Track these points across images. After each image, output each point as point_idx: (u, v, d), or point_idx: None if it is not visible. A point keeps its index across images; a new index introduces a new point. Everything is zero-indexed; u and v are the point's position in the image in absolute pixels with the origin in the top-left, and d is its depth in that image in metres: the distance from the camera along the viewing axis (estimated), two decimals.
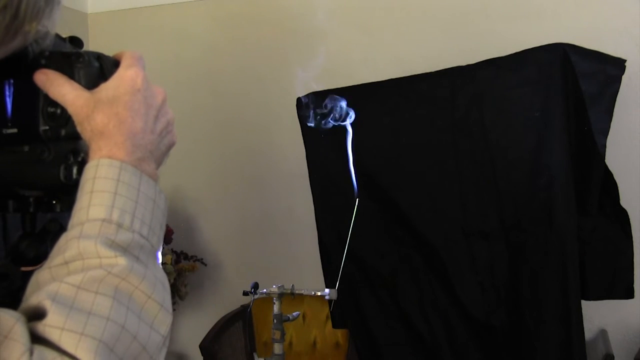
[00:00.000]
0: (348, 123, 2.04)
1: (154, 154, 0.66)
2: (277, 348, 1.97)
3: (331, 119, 2.07)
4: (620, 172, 2.35)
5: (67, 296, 0.54)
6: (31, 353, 0.50)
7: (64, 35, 0.69)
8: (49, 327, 0.52)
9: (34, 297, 0.55)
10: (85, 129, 0.63)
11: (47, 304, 0.53)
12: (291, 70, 3.08)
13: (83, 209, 0.60)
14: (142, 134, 0.64)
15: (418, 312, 2.48)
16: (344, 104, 2.08)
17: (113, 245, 0.58)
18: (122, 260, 0.57)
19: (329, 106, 2.10)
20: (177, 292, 2.97)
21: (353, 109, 2.16)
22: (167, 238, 2.96)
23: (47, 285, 0.55)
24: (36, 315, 0.53)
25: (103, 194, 0.60)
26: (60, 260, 0.57)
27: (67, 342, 0.52)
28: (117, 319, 0.55)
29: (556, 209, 2.27)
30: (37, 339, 0.52)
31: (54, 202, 0.71)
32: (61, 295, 0.54)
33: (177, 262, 3.03)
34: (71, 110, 0.63)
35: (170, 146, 0.70)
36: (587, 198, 2.30)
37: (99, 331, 0.53)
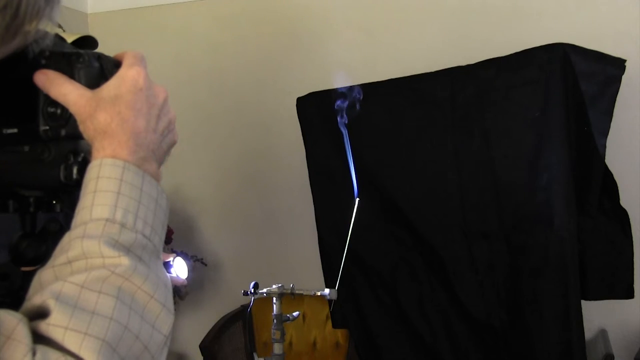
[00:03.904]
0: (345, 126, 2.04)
1: (155, 154, 0.66)
2: (277, 348, 1.97)
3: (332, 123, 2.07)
4: (620, 172, 2.35)
5: (70, 295, 0.54)
6: (34, 353, 0.50)
7: (75, 36, 0.69)
8: (53, 326, 0.52)
9: (37, 296, 0.55)
10: (87, 128, 0.63)
11: (51, 303, 0.53)
12: (291, 70, 3.09)
13: (86, 208, 0.60)
14: (144, 133, 0.64)
15: (418, 312, 2.48)
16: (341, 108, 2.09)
17: (116, 245, 0.58)
18: (125, 261, 0.57)
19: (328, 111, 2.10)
20: (177, 292, 2.97)
21: (353, 109, 2.16)
22: (167, 238, 2.96)
23: (51, 284, 0.55)
24: (40, 314, 0.53)
25: (106, 194, 0.60)
26: (64, 260, 0.57)
27: (70, 341, 0.52)
28: (120, 319, 0.55)
29: (556, 209, 2.26)
30: (40, 338, 0.52)
31: (54, 202, 0.71)
32: (65, 295, 0.54)
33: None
34: (73, 109, 0.63)
35: (172, 145, 0.70)
36: (587, 198, 2.30)
37: (103, 331, 0.53)
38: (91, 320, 0.53)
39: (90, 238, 0.58)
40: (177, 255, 1.54)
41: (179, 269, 1.55)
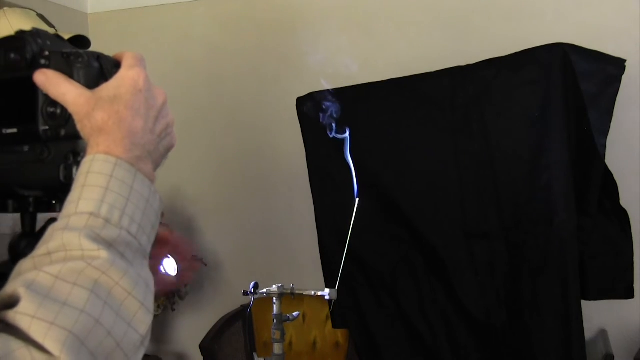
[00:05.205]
0: (345, 126, 2.04)
1: (152, 155, 0.66)
2: (277, 348, 1.97)
3: (332, 124, 2.07)
4: (620, 172, 2.35)
5: (43, 285, 0.53)
6: None
7: (68, 35, 0.69)
8: (20, 314, 0.52)
9: (10, 284, 0.54)
10: (85, 127, 0.63)
11: (22, 292, 0.52)
12: (291, 70, 3.09)
13: (73, 202, 0.60)
14: (141, 134, 0.64)
15: (418, 312, 2.48)
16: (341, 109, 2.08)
17: (98, 239, 0.57)
18: (104, 254, 0.56)
19: (328, 112, 2.10)
20: (177, 292, 2.97)
21: (353, 109, 2.15)
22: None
23: (26, 273, 0.55)
24: (10, 303, 0.53)
25: (94, 189, 0.59)
26: (44, 251, 0.57)
27: (36, 330, 0.51)
28: (92, 312, 0.53)
29: (556, 209, 2.27)
30: (7, 327, 0.51)
31: (54, 202, 0.71)
32: (38, 284, 0.53)
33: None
34: (72, 109, 0.63)
35: (169, 148, 0.70)
36: (587, 198, 2.30)
37: (71, 322, 0.52)
38: (60, 310, 0.52)
39: (72, 230, 0.57)
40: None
41: (169, 267, 1.55)
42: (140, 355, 0.58)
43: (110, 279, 0.56)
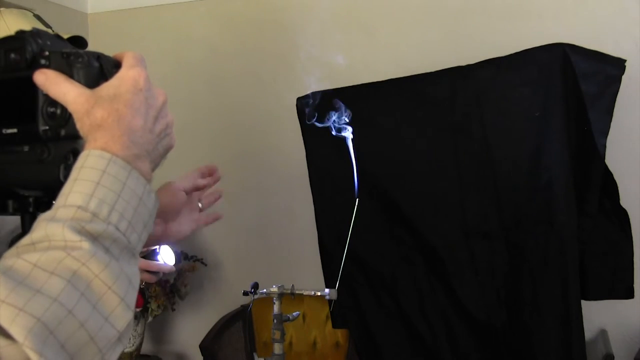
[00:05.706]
0: (345, 126, 2.04)
1: (150, 155, 0.66)
2: (277, 348, 1.97)
3: (331, 124, 2.07)
4: (620, 172, 2.35)
5: (20, 272, 0.53)
6: None
7: (65, 35, 0.69)
8: None
9: None
10: (84, 124, 0.63)
11: None
12: (291, 70, 3.09)
13: (64, 195, 0.60)
14: (140, 132, 0.64)
15: (418, 312, 2.48)
16: (341, 108, 2.08)
17: (82, 231, 0.57)
18: (86, 245, 0.56)
19: (327, 111, 2.10)
20: (177, 292, 2.97)
21: (353, 109, 2.15)
22: None
23: (5, 260, 0.54)
24: None
25: (85, 183, 0.59)
26: (28, 241, 0.57)
27: (4, 315, 0.50)
28: (65, 302, 0.52)
29: (556, 209, 2.27)
30: None
31: (54, 202, 0.71)
32: (14, 270, 0.53)
33: (177, 262, 3.03)
34: (72, 107, 0.63)
35: (168, 149, 0.70)
36: (587, 198, 2.30)
37: (41, 310, 0.51)
38: (32, 297, 0.51)
39: (56, 222, 0.57)
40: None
41: (166, 256, 1.54)
42: (118, 352, 0.57)
43: (90, 271, 0.55)
